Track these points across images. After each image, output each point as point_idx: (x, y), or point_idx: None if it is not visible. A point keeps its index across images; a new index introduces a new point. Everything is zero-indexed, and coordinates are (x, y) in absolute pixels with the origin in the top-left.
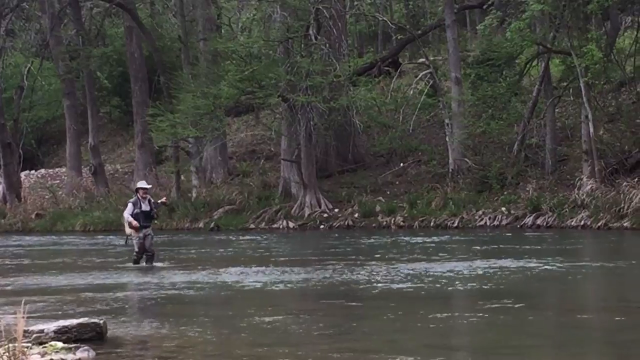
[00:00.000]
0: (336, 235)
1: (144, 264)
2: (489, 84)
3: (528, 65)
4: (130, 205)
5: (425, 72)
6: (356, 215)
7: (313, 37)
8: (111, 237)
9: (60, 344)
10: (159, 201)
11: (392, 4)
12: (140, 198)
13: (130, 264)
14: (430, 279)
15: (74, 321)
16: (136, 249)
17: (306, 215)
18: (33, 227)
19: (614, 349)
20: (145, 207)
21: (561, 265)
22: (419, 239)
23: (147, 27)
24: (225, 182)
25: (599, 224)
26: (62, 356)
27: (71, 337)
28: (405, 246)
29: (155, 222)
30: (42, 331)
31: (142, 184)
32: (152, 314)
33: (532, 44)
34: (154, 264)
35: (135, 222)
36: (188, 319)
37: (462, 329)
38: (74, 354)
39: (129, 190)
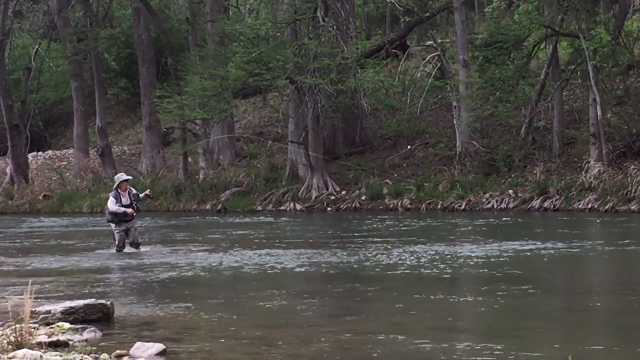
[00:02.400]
0: (343, 217)
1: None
2: (497, 67)
3: (536, 48)
4: (112, 199)
5: (433, 54)
6: (363, 197)
7: (321, 20)
8: None
9: (67, 325)
10: (144, 194)
11: None
12: (120, 192)
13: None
14: (437, 261)
15: (81, 302)
16: (116, 242)
17: (313, 197)
18: (40, 208)
19: (621, 332)
20: (126, 201)
21: (567, 248)
22: (426, 222)
23: (155, 9)
24: (233, 164)
25: (607, 207)
26: (69, 337)
27: (78, 318)
28: (412, 229)
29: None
30: (49, 312)
31: (122, 176)
32: (158, 295)
33: (540, 27)
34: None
35: (130, 210)
36: (194, 301)
37: (469, 311)
38: (81, 335)
39: (137, 172)
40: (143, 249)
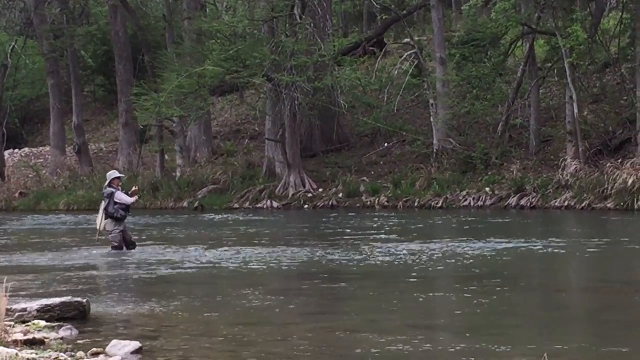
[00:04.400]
0: (320, 215)
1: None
2: (473, 65)
3: (513, 46)
4: (120, 193)
5: (410, 52)
6: (340, 195)
7: (298, 17)
8: (95, 216)
9: (43, 323)
10: (132, 190)
11: None
12: (116, 188)
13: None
14: (414, 259)
15: (57, 300)
16: (116, 244)
17: (290, 195)
18: (17, 206)
19: (597, 329)
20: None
21: (545, 245)
22: (403, 220)
23: (132, 6)
24: (210, 162)
25: (583, 205)
26: (45, 335)
27: (54, 315)
28: (389, 226)
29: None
30: (25, 310)
31: (114, 173)
32: (135, 293)
33: (517, 25)
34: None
35: (134, 199)
36: (171, 299)
37: (446, 309)
38: (57, 332)
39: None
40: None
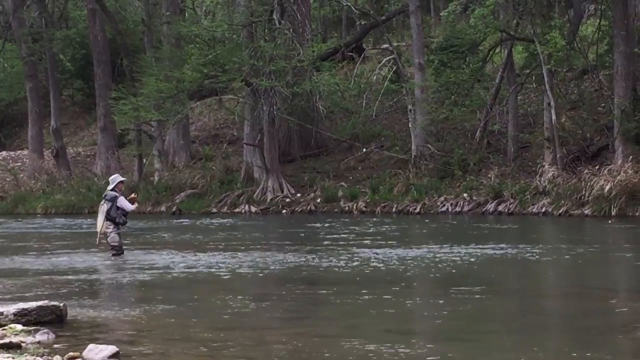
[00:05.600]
0: (298, 220)
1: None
2: (452, 71)
3: (491, 52)
4: (122, 198)
5: (389, 57)
6: (318, 200)
7: (277, 22)
8: (75, 220)
9: (19, 327)
10: (131, 197)
11: None
12: (120, 192)
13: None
14: (391, 264)
15: (34, 304)
16: (116, 244)
17: (268, 199)
18: None
19: (574, 334)
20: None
21: (522, 251)
22: (381, 225)
23: (111, 10)
24: (188, 166)
25: (560, 211)
26: (22, 339)
27: (31, 319)
28: (367, 232)
29: None
30: (1, 313)
31: (119, 177)
32: (113, 297)
33: (495, 31)
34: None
35: (134, 206)
36: (149, 303)
37: (423, 314)
38: (34, 336)
39: (91, 174)
40: (98, 252)
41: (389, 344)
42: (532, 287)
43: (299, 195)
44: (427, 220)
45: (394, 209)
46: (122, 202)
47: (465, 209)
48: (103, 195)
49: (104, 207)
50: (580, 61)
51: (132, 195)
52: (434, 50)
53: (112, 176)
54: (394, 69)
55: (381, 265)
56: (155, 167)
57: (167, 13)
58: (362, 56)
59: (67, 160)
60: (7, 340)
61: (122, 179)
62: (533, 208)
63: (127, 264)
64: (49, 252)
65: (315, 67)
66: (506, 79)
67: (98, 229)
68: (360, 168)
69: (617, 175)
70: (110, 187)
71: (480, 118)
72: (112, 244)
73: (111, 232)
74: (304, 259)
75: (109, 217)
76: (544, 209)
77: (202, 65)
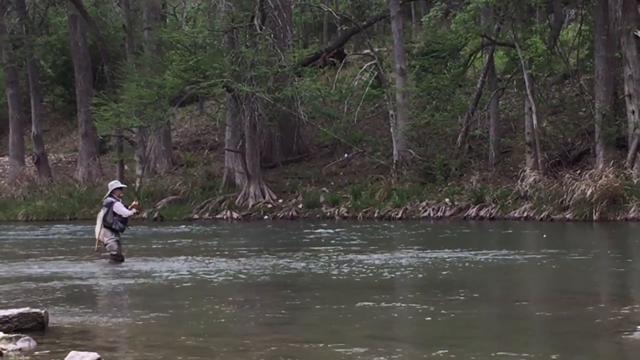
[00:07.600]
0: (280, 225)
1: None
2: (433, 76)
3: (472, 57)
4: (120, 204)
5: (370, 63)
6: (300, 205)
7: (258, 27)
8: (56, 226)
9: (0, 334)
10: (132, 204)
11: None
12: (117, 199)
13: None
14: (373, 269)
15: (15, 311)
16: (115, 252)
17: (250, 205)
18: None
19: (554, 340)
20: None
21: (503, 256)
22: (363, 230)
23: (91, 16)
24: (169, 172)
25: (542, 216)
26: (3, 346)
27: (12, 326)
28: (349, 237)
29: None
30: None
31: (117, 183)
32: (95, 304)
33: (476, 36)
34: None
35: (133, 212)
36: (130, 310)
37: (405, 320)
38: (15, 343)
39: (72, 180)
40: (82, 259)
41: (370, 349)
42: (514, 291)
43: (280, 201)
44: (409, 226)
45: (375, 215)
46: (119, 208)
47: (447, 214)
48: (101, 202)
49: (101, 214)
50: (561, 66)
51: (134, 202)
52: (415, 55)
53: (111, 182)
54: (375, 74)
55: (364, 270)
56: (137, 174)
57: (148, 19)
58: (343, 62)
59: (48, 166)
60: None
61: (121, 185)
62: (515, 213)
63: (109, 271)
64: (32, 259)
65: (296, 73)
66: (487, 83)
67: (96, 235)
68: (341, 173)
69: (599, 179)
70: (107, 193)
71: (462, 123)
72: (111, 252)
73: (109, 240)
74: (285, 265)
75: (105, 224)
76: (525, 214)
77: (183, 71)
